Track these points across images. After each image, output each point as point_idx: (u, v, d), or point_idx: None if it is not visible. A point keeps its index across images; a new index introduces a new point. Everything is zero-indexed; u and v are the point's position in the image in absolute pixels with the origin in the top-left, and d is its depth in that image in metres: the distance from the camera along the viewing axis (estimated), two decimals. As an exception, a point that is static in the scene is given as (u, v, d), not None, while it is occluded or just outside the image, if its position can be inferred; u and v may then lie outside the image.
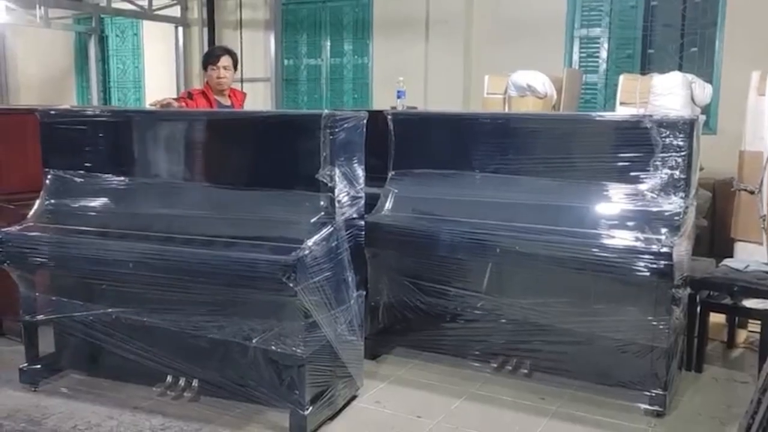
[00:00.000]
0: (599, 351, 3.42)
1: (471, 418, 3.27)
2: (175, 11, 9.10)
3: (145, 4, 8.83)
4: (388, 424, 3.19)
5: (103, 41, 9.95)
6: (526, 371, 3.61)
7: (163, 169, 3.49)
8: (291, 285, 2.80)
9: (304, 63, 8.60)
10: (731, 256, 4.62)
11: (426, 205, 3.75)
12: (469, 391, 3.53)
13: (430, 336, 3.83)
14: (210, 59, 4.68)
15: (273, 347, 3.02)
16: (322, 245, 2.96)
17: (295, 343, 2.96)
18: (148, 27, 9.43)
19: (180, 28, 9.07)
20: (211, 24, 8.82)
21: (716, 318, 4.13)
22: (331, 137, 3.05)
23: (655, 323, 3.24)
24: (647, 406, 3.29)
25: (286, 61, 8.59)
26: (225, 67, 4.64)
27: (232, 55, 4.73)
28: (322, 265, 2.97)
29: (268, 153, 3.21)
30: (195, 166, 3.47)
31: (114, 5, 8.63)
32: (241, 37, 8.74)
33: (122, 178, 3.47)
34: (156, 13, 8.97)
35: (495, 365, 3.66)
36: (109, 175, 3.50)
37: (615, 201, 3.41)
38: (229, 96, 4.76)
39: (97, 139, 3.55)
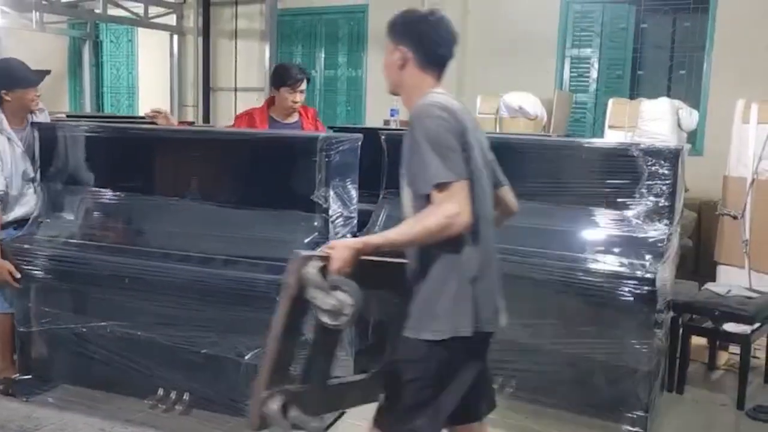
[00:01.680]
0: (583, 372, 3.48)
1: (457, 436, 3.33)
2: (171, 20, 9.15)
3: (141, 11, 8.87)
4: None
5: (97, 47, 9.99)
6: (510, 390, 3.67)
7: (161, 186, 3.54)
8: None
9: (299, 74, 8.66)
10: (715, 276, 4.73)
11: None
12: (455, 409, 3.59)
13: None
14: (288, 81, 4.06)
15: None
16: None
17: None
18: (143, 34, 9.47)
19: (175, 37, 9.12)
20: (206, 33, 8.88)
21: (699, 340, 4.22)
22: (326, 159, 3.12)
23: (638, 346, 3.31)
24: (629, 428, 3.35)
25: (280, 72, 8.65)
26: (301, 92, 4.16)
27: (308, 77, 4.25)
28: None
29: (264, 173, 3.28)
30: (192, 183, 3.52)
31: (110, 12, 8.67)
32: (236, 47, 8.81)
33: (119, 194, 3.52)
34: (152, 21, 9.02)
35: (481, 384, 3.72)
36: (106, 190, 3.55)
37: (601, 226, 3.50)
38: (300, 113, 4.27)
39: (93, 155, 3.60)
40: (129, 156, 3.58)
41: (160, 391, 3.39)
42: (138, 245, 3.30)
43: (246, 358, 3.14)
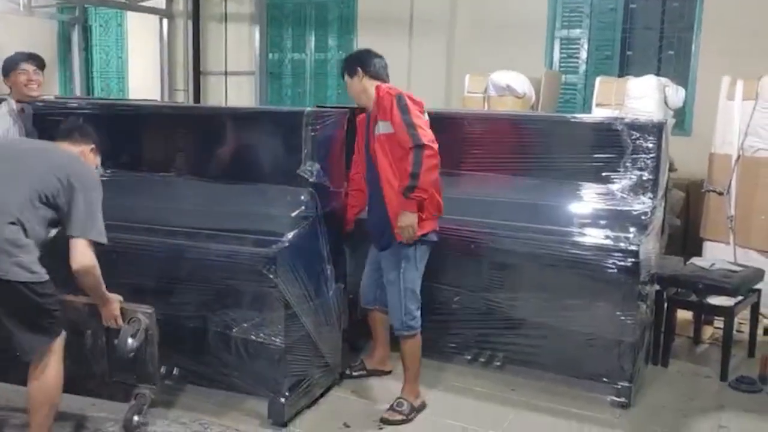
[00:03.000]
0: (569, 344, 3.54)
1: (444, 408, 3.38)
2: (161, 3, 9.08)
3: (130, -6, 8.82)
4: (364, 413, 3.29)
5: (86, 31, 9.92)
6: (499, 363, 3.72)
7: (148, 162, 3.56)
8: (271, 276, 2.89)
9: (289, 57, 8.64)
10: (702, 254, 4.78)
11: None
12: (443, 382, 3.64)
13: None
14: (375, 68, 3.42)
15: (253, 337, 3.10)
16: (302, 238, 3.05)
17: (275, 333, 3.05)
18: (132, 18, 9.40)
19: (165, 20, 9.06)
20: (196, 16, 8.81)
21: (684, 315, 4.27)
22: (312, 134, 3.14)
23: (622, 318, 3.36)
24: (614, 398, 3.41)
25: (270, 55, 8.63)
26: None
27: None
28: (301, 258, 3.06)
29: (251, 148, 3.30)
30: (179, 159, 3.55)
31: (99, -5, 8.62)
32: (225, 31, 8.76)
33: (107, 170, 3.53)
34: (141, 4, 8.96)
35: (469, 357, 3.77)
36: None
37: (586, 200, 3.54)
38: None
39: None
40: (117, 132, 3.57)
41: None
42: (125, 221, 3.30)
43: (234, 331, 3.16)
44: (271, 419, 3.14)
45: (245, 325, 3.14)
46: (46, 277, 2.58)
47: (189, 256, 3.10)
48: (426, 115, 3.21)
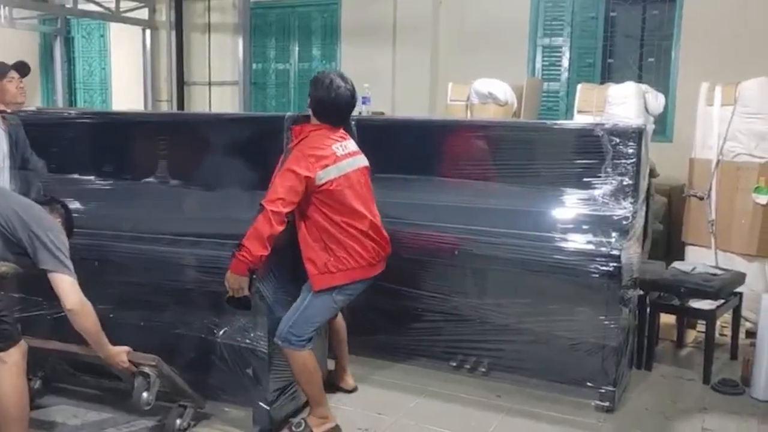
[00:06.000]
0: (553, 350, 3.55)
1: (430, 414, 3.38)
2: (143, 14, 9.07)
3: (113, 6, 8.80)
4: (349, 421, 3.28)
5: (69, 42, 9.88)
6: (484, 370, 3.72)
7: (131, 169, 3.56)
8: (254, 278, 2.88)
9: (273, 67, 8.65)
10: (684, 258, 4.82)
11: (389, 209, 3.84)
12: (428, 389, 3.64)
13: (391, 336, 3.92)
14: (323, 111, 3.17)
15: (238, 342, 3.09)
16: (285, 243, 3.03)
17: (259, 338, 3.04)
18: (115, 29, 9.37)
19: (148, 31, 9.04)
20: (179, 27, 8.81)
21: (668, 319, 4.31)
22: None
23: (605, 322, 3.38)
24: (598, 402, 3.43)
25: (254, 65, 8.63)
26: None
27: None
28: (284, 263, 3.05)
29: (232, 154, 3.29)
30: (162, 166, 3.53)
31: (81, 6, 8.58)
32: (209, 41, 8.76)
33: (89, 178, 3.54)
34: (123, 15, 8.94)
35: (454, 364, 3.77)
36: (76, 175, 3.58)
37: (567, 205, 3.57)
38: None
39: (65, 141, 3.63)
40: (99, 141, 3.59)
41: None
42: (109, 228, 3.30)
43: (218, 336, 3.15)
44: (258, 427, 3.12)
45: (229, 329, 3.12)
46: None
47: (171, 261, 3.09)
48: (331, 171, 2.95)
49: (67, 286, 2.63)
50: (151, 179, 3.52)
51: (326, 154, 2.97)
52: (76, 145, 3.67)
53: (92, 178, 3.54)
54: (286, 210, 2.86)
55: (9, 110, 3.75)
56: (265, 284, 3.00)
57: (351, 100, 3.09)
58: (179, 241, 3.15)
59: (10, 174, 3.64)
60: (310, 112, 3.09)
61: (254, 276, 2.90)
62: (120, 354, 2.87)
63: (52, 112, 4.28)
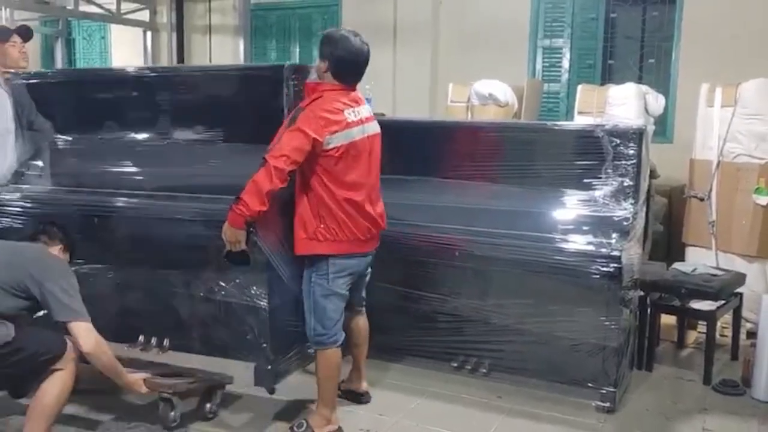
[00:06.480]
0: (554, 350, 3.55)
1: (431, 415, 3.38)
2: (144, 15, 9.08)
3: (113, 7, 8.81)
4: (350, 422, 3.28)
5: (70, 44, 9.90)
6: (485, 370, 3.72)
7: (133, 127, 3.60)
8: (251, 231, 2.85)
9: (274, 69, 8.66)
10: (685, 259, 4.82)
11: (389, 210, 3.85)
12: (429, 390, 3.64)
13: (392, 336, 3.92)
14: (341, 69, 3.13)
15: (237, 300, 3.11)
16: (286, 197, 3.00)
17: (259, 295, 3.06)
18: (116, 31, 9.40)
19: (149, 33, 9.06)
20: (180, 29, 8.82)
21: (669, 320, 4.31)
22: (295, 89, 3.12)
23: (606, 323, 3.38)
24: (598, 403, 3.43)
25: (255, 67, 8.65)
26: None
27: None
28: (285, 218, 3.02)
29: (231, 108, 3.32)
30: (162, 122, 3.55)
31: (82, 8, 8.59)
32: (210, 43, 8.78)
33: (87, 137, 3.62)
34: (124, 17, 8.96)
35: (455, 365, 3.77)
36: (76, 135, 3.66)
37: (568, 206, 3.57)
38: None
39: (62, 101, 3.70)
40: (101, 99, 3.64)
41: (141, 338, 3.44)
42: (109, 186, 3.35)
43: (220, 294, 3.17)
44: (259, 384, 3.16)
45: (228, 287, 3.14)
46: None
47: (167, 216, 3.13)
48: (340, 137, 2.89)
49: (83, 332, 2.73)
50: (148, 135, 3.53)
51: (337, 119, 2.90)
52: (74, 104, 3.72)
53: (92, 136, 3.58)
54: (288, 168, 2.80)
55: (11, 72, 3.79)
56: (264, 239, 2.95)
57: (368, 56, 3.05)
58: (177, 196, 3.17)
59: (16, 135, 3.70)
60: (318, 73, 3.00)
61: (251, 230, 2.84)
62: (138, 382, 2.99)
63: (50, 72, 4.34)
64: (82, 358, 2.79)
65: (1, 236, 3.44)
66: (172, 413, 3.07)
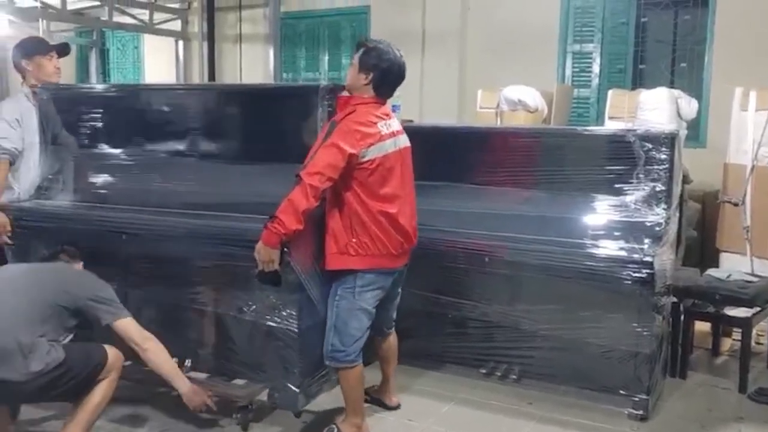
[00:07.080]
0: (585, 357, 3.52)
1: (460, 421, 3.37)
2: (176, 25, 9.25)
3: (147, 18, 8.98)
4: (380, 428, 3.29)
5: (104, 54, 10.11)
6: (515, 377, 3.70)
7: (162, 143, 3.62)
8: (285, 252, 2.82)
9: (303, 77, 8.73)
10: (719, 265, 4.75)
11: (419, 216, 3.85)
12: (458, 396, 3.64)
13: (421, 342, 3.92)
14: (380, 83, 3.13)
15: (266, 322, 3.08)
16: (319, 216, 2.99)
17: (289, 317, 3.02)
18: (148, 40, 9.58)
19: (180, 42, 9.22)
20: (211, 38, 8.95)
21: (702, 327, 4.24)
22: (329, 109, 3.11)
23: (638, 330, 3.35)
24: (631, 410, 3.39)
25: (284, 75, 8.72)
26: None
27: None
28: (318, 235, 3.01)
29: (264, 126, 3.32)
30: (190, 141, 3.56)
31: (116, 19, 8.78)
32: (240, 51, 8.91)
33: (117, 152, 3.63)
34: (157, 27, 9.12)
35: (485, 371, 3.75)
36: (104, 149, 3.68)
37: (599, 212, 3.54)
38: None
39: (92, 115, 3.71)
40: (130, 115, 3.65)
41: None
42: (137, 203, 3.36)
43: (247, 314, 3.15)
44: (285, 408, 3.16)
45: (257, 308, 3.11)
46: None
47: (200, 234, 3.12)
48: (374, 150, 2.88)
49: (131, 327, 2.82)
50: (180, 154, 3.55)
51: (372, 131, 2.89)
52: (102, 119, 3.72)
53: (119, 151, 3.60)
54: (323, 186, 2.78)
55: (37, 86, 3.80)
56: (296, 259, 2.92)
57: (405, 70, 3.06)
58: (209, 215, 3.18)
59: (40, 150, 3.74)
60: (355, 84, 2.97)
61: (285, 249, 2.80)
62: (201, 395, 2.97)
63: (78, 86, 4.38)
64: (134, 356, 2.85)
65: (23, 249, 3.50)
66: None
